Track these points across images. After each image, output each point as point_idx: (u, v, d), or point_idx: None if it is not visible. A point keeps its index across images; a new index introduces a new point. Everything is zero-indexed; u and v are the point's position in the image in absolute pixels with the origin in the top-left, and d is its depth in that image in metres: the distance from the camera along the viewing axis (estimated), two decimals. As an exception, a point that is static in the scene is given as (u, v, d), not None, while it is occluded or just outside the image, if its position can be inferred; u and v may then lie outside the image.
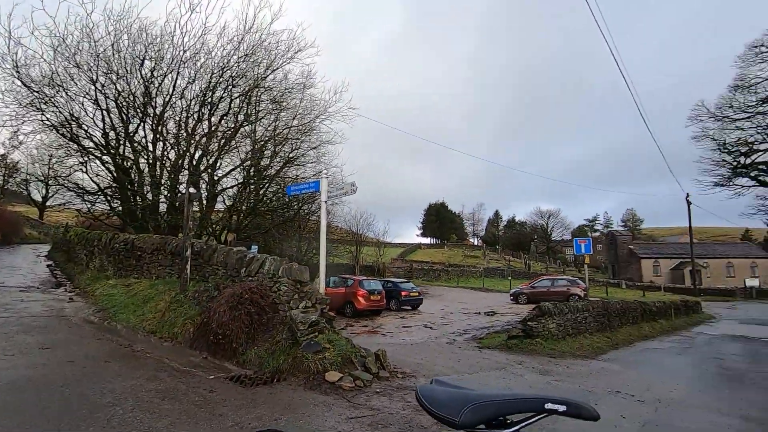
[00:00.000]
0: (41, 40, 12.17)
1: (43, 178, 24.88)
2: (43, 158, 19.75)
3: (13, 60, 12.07)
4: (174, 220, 13.53)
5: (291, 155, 12.90)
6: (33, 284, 12.01)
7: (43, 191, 37.40)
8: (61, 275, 14.39)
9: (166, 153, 14.01)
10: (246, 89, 13.76)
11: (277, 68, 14.48)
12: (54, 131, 13.55)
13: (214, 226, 12.61)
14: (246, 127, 14.71)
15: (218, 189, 14.13)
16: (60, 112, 13.36)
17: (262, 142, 13.66)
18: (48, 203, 39.39)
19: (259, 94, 14.44)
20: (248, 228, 11.96)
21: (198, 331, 6.89)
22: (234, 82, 13.62)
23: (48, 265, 16.64)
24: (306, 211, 12.38)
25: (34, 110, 13.28)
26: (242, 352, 6.24)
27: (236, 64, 13.65)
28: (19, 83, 12.60)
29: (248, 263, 7.80)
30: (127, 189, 15.17)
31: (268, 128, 14.33)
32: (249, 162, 14.19)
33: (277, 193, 12.55)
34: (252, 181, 12.47)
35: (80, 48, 13.07)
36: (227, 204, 10.89)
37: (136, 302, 8.93)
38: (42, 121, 13.25)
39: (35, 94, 12.98)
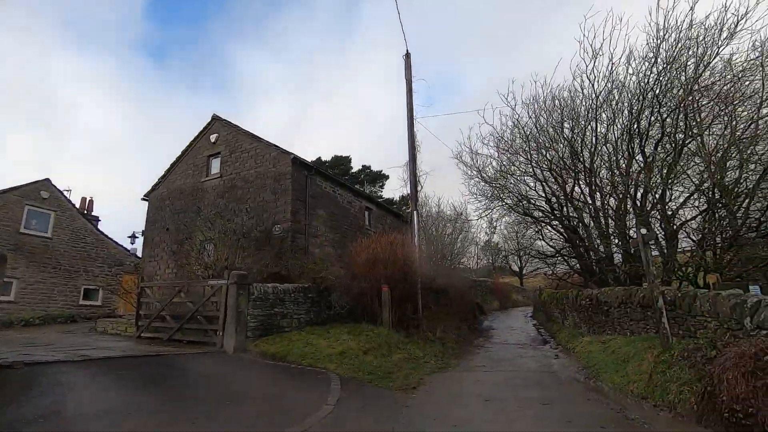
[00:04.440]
0: (487, 144, 15.56)
1: (514, 251, 30.22)
2: (510, 235, 24.07)
3: (476, 167, 16.06)
4: (632, 269, 12.47)
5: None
6: (526, 341, 14.03)
7: (518, 262, 45.79)
8: (545, 333, 16.15)
9: (605, 202, 13.63)
10: (676, 103, 11.60)
11: (713, 59, 11.49)
12: (512, 211, 16.41)
13: (683, 268, 10.51)
14: (690, 145, 12.15)
15: (676, 225, 12.00)
16: (511, 194, 16.19)
17: (719, 153, 10.65)
18: (524, 271, 47.73)
19: (694, 100, 11.78)
20: (734, 264, 9.09)
21: (703, 403, 5.40)
22: (660, 101, 11.86)
23: (534, 324, 19.30)
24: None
25: (496, 199, 16.84)
26: (788, 445, 4.23)
27: (656, 81, 11.97)
28: (483, 183, 16.51)
29: (753, 310, 5.66)
30: (578, 246, 15.72)
31: (724, 133, 11.13)
32: (707, 184, 11.36)
33: (767, 210, 9.03)
34: (719, 205, 9.69)
35: (512, 138, 15.74)
36: (694, 239, 8.81)
37: (615, 361, 8.38)
38: (502, 206, 16.46)
39: (493, 186, 16.51)
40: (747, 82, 10.98)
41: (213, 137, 15.85)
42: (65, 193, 18.96)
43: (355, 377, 7.35)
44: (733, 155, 10.98)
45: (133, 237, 19.40)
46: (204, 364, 7.49)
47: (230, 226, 12.93)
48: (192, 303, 10.20)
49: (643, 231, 7.66)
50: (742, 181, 9.89)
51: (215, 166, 15.70)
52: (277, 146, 14.29)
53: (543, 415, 5.63)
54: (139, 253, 18.17)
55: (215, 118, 16.17)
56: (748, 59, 11.20)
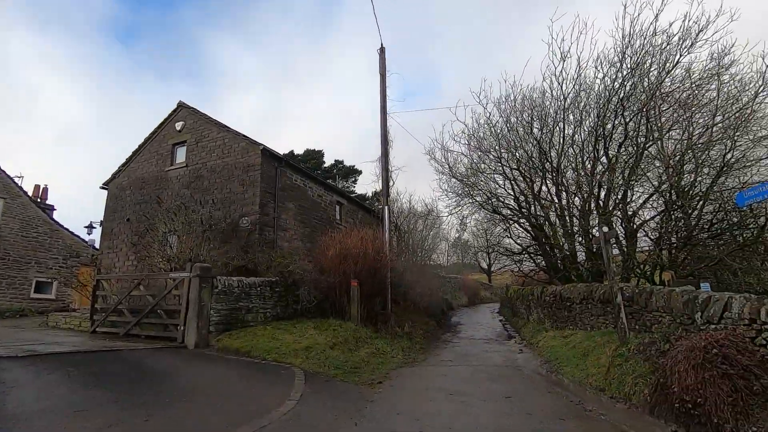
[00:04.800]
0: (459, 142, 15.71)
1: (483, 249, 30.75)
2: (479, 232, 24.44)
3: (448, 164, 16.18)
4: (594, 266, 12.91)
5: (726, 160, 9.66)
6: (492, 337, 14.29)
7: (487, 259, 46.68)
8: (510, 328, 16.52)
9: (570, 201, 14.04)
10: (639, 106, 12.05)
11: (674, 67, 12.00)
12: (481, 208, 16.65)
13: (641, 266, 10.96)
14: (650, 149, 12.66)
15: (636, 224, 12.50)
16: (481, 192, 16.41)
17: (677, 157, 11.14)
18: (492, 268, 48.66)
19: (656, 105, 12.27)
20: (688, 263, 9.54)
21: (656, 395, 5.62)
22: (624, 104, 12.28)
23: (500, 320, 19.71)
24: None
25: (466, 197, 17.03)
26: (732, 433, 4.44)
27: (621, 85, 12.40)
28: (454, 180, 16.65)
29: (703, 306, 5.94)
30: (544, 244, 16.13)
31: (682, 138, 11.66)
32: (665, 186, 11.89)
33: (718, 212, 9.53)
34: (675, 206, 10.14)
35: (483, 137, 15.96)
36: (652, 238, 9.19)
37: (576, 355, 8.64)
38: (472, 203, 16.67)
39: (464, 184, 16.69)
40: (704, 91, 11.53)
41: (179, 125, 15.24)
42: (16, 179, 17.81)
43: (321, 372, 7.25)
44: (690, 159, 11.51)
45: (90, 227, 18.45)
46: (162, 360, 7.19)
47: (195, 218, 12.49)
48: (152, 296, 9.79)
49: (605, 229, 7.90)
50: (696, 184, 10.38)
51: (180, 155, 15.12)
52: (246, 136, 13.90)
53: (505, 409, 5.71)
54: (98, 245, 17.30)
55: (181, 106, 15.55)
56: (706, 68, 11.75)
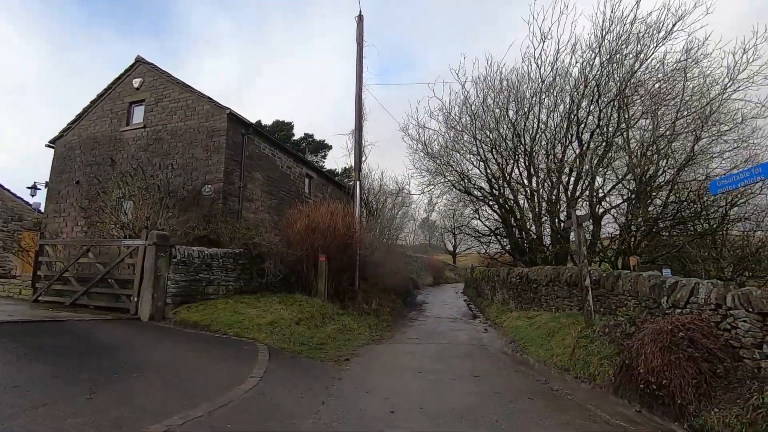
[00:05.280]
0: (436, 119, 15.44)
1: (450, 230, 31.03)
2: (448, 213, 24.53)
3: (422, 141, 15.89)
4: (561, 249, 13.18)
5: (692, 152, 9.91)
6: (457, 316, 14.43)
7: (453, 240, 47.39)
8: (475, 308, 16.77)
9: (540, 185, 14.16)
10: (614, 93, 12.15)
11: (648, 58, 12.13)
12: (453, 188, 16.56)
13: (606, 250, 11.24)
14: (617, 139, 12.87)
15: (600, 211, 12.80)
16: (454, 172, 16.30)
17: (643, 148, 11.37)
18: (457, 250, 49.55)
19: (628, 95, 12.41)
20: (651, 249, 9.84)
21: (620, 375, 5.72)
22: (599, 91, 12.34)
23: (465, 300, 20.02)
24: (735, 215, 8.86)
25: (439, 175, 16.89)
26: (694, 413, 4.54)
27: (598, 71, 12.43)
28: (428, 158, 16.43)
29: (670, 291, 6.04)
30: (512, 227, 16.33)
31: (647, 130, 11.90)
32: (630, 176, 12.18)
33: (683, 202, 9.81)
34: (642, 195, 10.39)
35: (459, 115, 15.76)
36: (620, 224, 9.37)
37: (541, 335, 8.77)
38: (444, 182, 16.55)
39: (437, 163, 16.51)
40: (675, 82, 11.73)
41: (136, 82, 14.05)
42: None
43: (286, 348, 6.95)
44: (658, 150, 11.76)
45: (34, 188, 16.98)
46: (112, 332, 6.66)
47: (153, 183, 11.65)
48: (103, 264, 9.08)
49: (579, 212, 7.93)
50: (660, 174, 10.65)
51: (138, 114, 13.99)
52: (211, 99, 12.99)
53: (474, 388, 5.65)
54: (43, 208, 15.97)
55: (140, 61, 14.31)
56: (679, 60, 11.94)
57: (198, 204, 12.07)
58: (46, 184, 15.05)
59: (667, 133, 11.42)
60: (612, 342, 6.48)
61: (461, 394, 5.24)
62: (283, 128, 42.50)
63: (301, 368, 5.98)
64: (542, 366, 7.31)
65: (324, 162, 43.85)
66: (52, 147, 15.07)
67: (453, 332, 10.81)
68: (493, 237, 18.36)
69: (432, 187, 16.75)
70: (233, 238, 10.99)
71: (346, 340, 8.62)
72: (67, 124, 14.89)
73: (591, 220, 11.52)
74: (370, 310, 11.74)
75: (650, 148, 11.52)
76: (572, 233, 7.97)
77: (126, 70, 14.45)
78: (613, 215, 10.98)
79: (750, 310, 4.67)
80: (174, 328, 7.50)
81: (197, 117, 12.92)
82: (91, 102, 14.70)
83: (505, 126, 15.22)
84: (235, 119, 12.82)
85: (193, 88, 13.38)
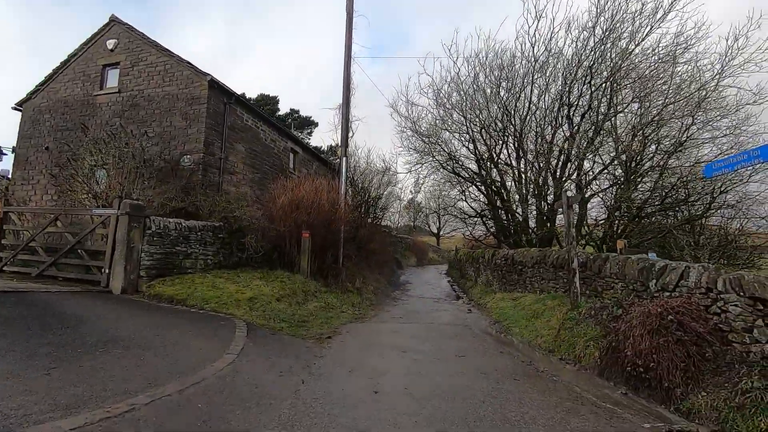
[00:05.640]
0: (427, 96, 15.05)
1: (435, 211, 30.96)
2: (434, 193, 24.32)
3: (411, 119, 15.52)
4: (548, 232, 13.15)
5: (682, 137, 9.82)
6: (441, 296, 14.39)
7: (437, 222, 47.51)
8: (458, 289, 16.78)
9: (529, 167, 14.01)
10: (606, 76, 11.93)
11: (643, 40, 11.90)
12: (441, 168, 16.31)
13: (591, 234, 11.22)
14: (607, 123, 12.73)
15: (588, 194, 12.75)
16: (443, 151, 16.02)
17: (633, 132, 11.24)
18: (441, 232, 49.77)
19: (620, 78, 12.21)
20: (637, 233, 9.82)
21: (606, 357, 5.66)
22: (592, 72, 12.11)
23: (448, 281, 20.05)
24: (722, 202, 8.84)
25: (427, 155, 16.59)
26: (681, 397, 4.49)
27: (592, 51, 12.17)
28: (416, 135, 16.08)
29: (659, 274, 5.96)
30: (498, 208, 16.24)
31: (637, 115, 11.75)
32: (617, 161, 12.10)
33: (672, 187, 9.76)
34: (629, 180, 10.31)
35: (450, 94, 15.38)
36: (608, 207, 9.30)
37: (525, 316, 8.73)
38: (432, 161, 16.27)
39: (425, 142, 16.19)
40: (669, 66, 11.56)
41: (110, 43, 13.19)
42: None
43: (265, 325, 6.70)
44: (646, 135, 11.66)
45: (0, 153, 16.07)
46: (80, 305, 6.28)
47: (128, 151, 11.05)
48: (72, 234, 8.59)
49: (570, 193, 7.78)
50: (648, 160, 10.56)
51: (112, 78, 13.19)
52: (191, 64, 12.29)
53: (459, 368, 5.52)
54: (10, 175, 15.12)
55: (114, 21, 13.41)
56: (671, 44, 11.74)
57: (176, 175, 11.53)
58: (13, 149, 14.21)
59: (657, 118, 11.31)
60: (598, 324, 6.42)
61: (447, 375, 5.09)
62: (268, 102, 41.35)
63: (280, 345, 5.74)
64: (527, 347, 7.24)
65: (309, 139, 43.01)
66: (20, 110, 14.17)
67: (437, 312, 10.73)
68: (478, 219, 18.29)
69: (420, 166, 16.49)
70: (213, 212, 10.57)
71: (329, 317, 8.42)
72: (36, 86, 13.98)
73: (579, 203, 11.44)
74: (354, 289, 11.55)
75: (640, 132, 11.41)
76: (561, 215, 7.84)
77: (99, 30, 13.55)
78: (601, 197, 10.90)
79: (741, 294, 4.58)
80: (147, 302, 7.16)
81: (176, 83, 12.24)
82: (62, 63, 13.79)
83: (495, 106, 14.94)
84: (216, 87, 12.19)
85: (171, 52, 12.64)
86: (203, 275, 8.72)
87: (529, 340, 7.55)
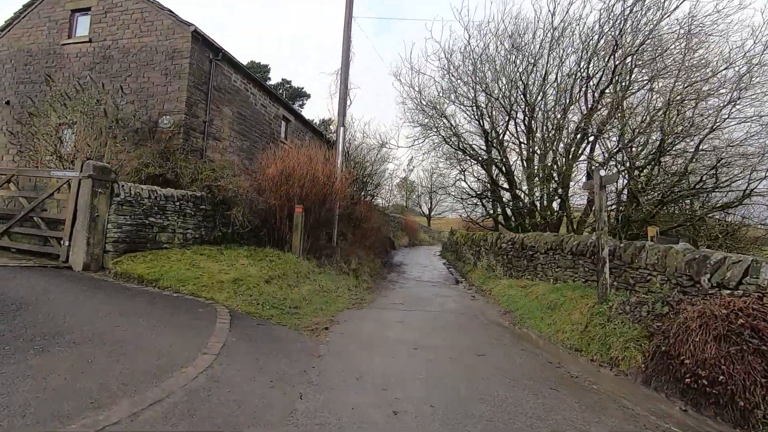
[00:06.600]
0: (433, 64, 13.85)
1: (432, 190, 30.06)
2: (433, 170, 23.34)
3: (415, 88, 14.37)
4: (555, 216, 12.33)
5: (722, 115, 8.84)
6: (439, 280, 13.57)
7: (428, 203, 46.73)
8: (455, 272, 15.99)
9: (542, 145, 13.05)
10: (635, 47, 10.88)
11: (676, 7, 10.83)
12: (445, 143, 15.26)
13: (618, 217, 10.39)
14: (630, 98, 11.77)
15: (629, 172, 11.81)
16: (449, 125, 14.95)
17: (667, 109, 10.27)
18: (432, 213, 49.08)
19: (647, 49, 11.16)
20: (661, 220, 9.02)
21: (654, 363, 4.85)
22: (618, 43, 11.04)
23: (444, 263, 19.27)
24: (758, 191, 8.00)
25: (430, 129, 15.52)
26: (763, 420, 3.70)
27: (619, 19, 11.08)
28: (419, 108, 14.95)
29: (715, 268, 5.12)
30: (503, 189, 15.35)
31: (666, 91, 10.77)
32: (657, 134, 10.90)
33: (711, 170, 8.86)
34: (660, 160, 9.41)
35: (458, 65, 14.23)
36: (633, 190, 8.42)
37: (540, 307, 7.92)
38: (437, 136, 15.22)
39: (429, 115, 15.09)
40: (704, 36, 10.56)
41: (81, -14, 11.63)
42: None
43: (252, 313, 5.73)
44: (668, 116, 10.71)
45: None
46: (28, 284, 5.20)
47: (98, 107, 9.74)
48: (28, 200, 7.40)
49: (602, 172, 6.85)
50: (681, 141, 9.65)
51: (83, 26, 11.67)
52: (172, 12, 10.86)
53: (482, 371, 4.66)
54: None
55: (85, -40, 11.80)
56: (708, 14, 10.72)
57: (154, 138, 10.29)
58: (-30, 103, 12.67)
59: (689, 92, 10.31)
60: (636, 322, 5.60)
61: (472, 382, 4.22)
62: (258, 70, 39.28)
63: (270, 340, 4.79)
64: (548, 343, 6.44)
65: (301, 111, 41.33)
66: (-24, 59, 12.57)
67: (439, 298, 9.89)
68: (477, 200, 17.42)
69: (423, 139, 15.39)
70: (195, 180, 9.42)
71: (324, 302, 7.49)
72: (-6, 32, 12.37)
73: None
74: (349, 270, 10.62)
75: (676, 108, 10.38)
76: (594, 197, 6.97)
77: (68, -30, 11.91)
78: (625, 178, 9.99)
79: (839, 298, 3.74)
80: (112, 282, 6.10)
81: (155, 33, 10.83)
82: (24, 6, 12.17)
83: (504, 78, 13.85)
84: (201, 40, 10.83)
85: (150, -2, 11.15)
86: (182, 251, 7.67)
87: (549, 334, 6.75)
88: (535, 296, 8.66)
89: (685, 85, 9.04)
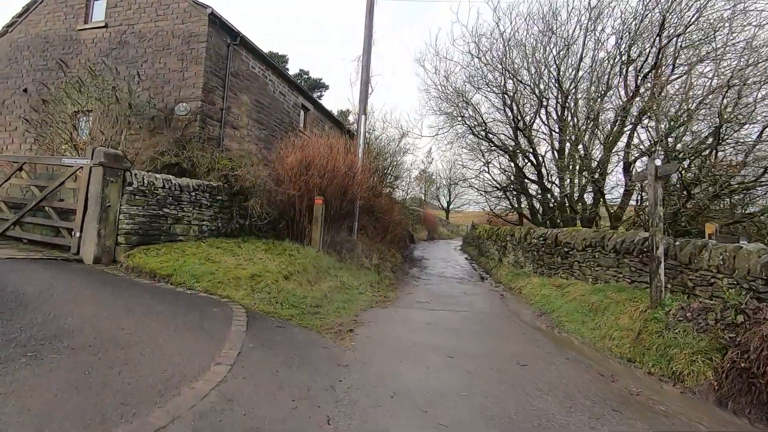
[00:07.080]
0: (460, 49, 13.14)
1: (454, 182, 29.31)
2: (456, 161, 22.61)
3: (441, 74, 13.66)
4: (589, 210, 11.56)
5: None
6: (463, 276, 12.96)
7: (447, 196, 45.88)
8: (479, 268, 15.35)
9: (573, 135, 12.25)
10: (685, 26, 9.98)
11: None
12: (470, 133, 14.56)
13: (641, 214, 9.64)
14: (674, 83, 10.84)
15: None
16: (476, 113, 14.24)
17: (722, 94, 9.34)
18: (450, 206, 48.24)
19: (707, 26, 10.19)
20: (712, 215, 8.20)
21: (731, 381, 4.19)
22: (665, 22, 10.15)
23: (466, 258, 18.63)
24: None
25: (454, 119, 14.83)
26: None
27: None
28: (444, 96, 14.26)
29: (803, 272, 4.41)
30: (531, 181, 14.60)
31: (723, 75, 9.83)
32: (684, 124, 10.05)
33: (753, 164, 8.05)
34: (713, 150, 8.54)
35: (485, 51, 13.46)
36: (685, 182, 7.62)
37: (581, 310, 7.27)
38: (462, 125, 14.54)
39: (455, 102, 14.39)
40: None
41: (97, -30, 11.31)
42: None
43: (270, 313, 5.27)
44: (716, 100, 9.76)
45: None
46: (34, 278, 4.84)
47: (113, 93, 9.40)
48: (39, 189, 7.10)
49: (658, 162, 6.14)
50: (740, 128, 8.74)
51: (99, 11, 11.36)
52: (189, -6, 10.44)
53: (529, 386, 4.09)
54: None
55: (101, -57, 11.45)
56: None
57: (170, 125, 9.93)
58: (-11, 91, 12.55)
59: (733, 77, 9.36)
60: (703, 332, 4.93)
61: (521, 401, 3.66)
62: (276, 61, 38.96)
63: (290, 346, 4.30)
64: (593, 351, 5.81)
65: (320, 102, 40.88)
66: (-5, 46, 12.42)
67: (466, 296, 9.32)
68: (501, 193, 16.67)
69: (447, 130, 14.73)
70: (211, 169, 9.02)
71: (346, 300, 7.01)
72: (13, 18, 12.18)
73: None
74: (371, 265, 10.13)
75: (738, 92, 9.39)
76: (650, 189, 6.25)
77: (84, -46, 11.59)
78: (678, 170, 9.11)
79: None
80: (123, 277, 5.72)
81: (171, 17, 10.42)
82: (40, -9, 11.93)
83: (535, 63, 13.03)
84: (218, 23, 10.38)
85: (166, -19, 10.73)
86: (197, 244, 7.28)
87: (593, 340, 6.12)
88: (573, 297, 8.01)
89: (749, 66, 8.15)
